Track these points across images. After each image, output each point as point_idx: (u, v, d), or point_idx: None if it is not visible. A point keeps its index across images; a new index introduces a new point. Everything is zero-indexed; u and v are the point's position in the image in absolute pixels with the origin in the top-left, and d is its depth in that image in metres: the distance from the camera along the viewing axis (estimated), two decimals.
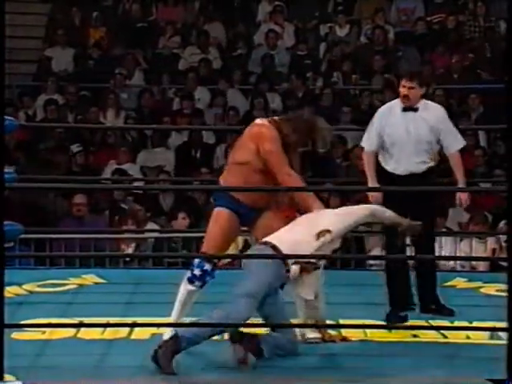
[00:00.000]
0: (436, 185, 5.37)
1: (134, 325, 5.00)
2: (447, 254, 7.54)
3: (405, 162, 5.22)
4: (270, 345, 4.57)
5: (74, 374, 4.39)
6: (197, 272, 4.90)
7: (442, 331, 4.97)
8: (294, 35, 11.98)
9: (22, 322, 4.87)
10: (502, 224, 7.85)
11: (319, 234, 4.62)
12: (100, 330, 4.99)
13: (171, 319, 4.87)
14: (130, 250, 7.82)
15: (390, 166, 5.27)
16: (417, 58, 11.49)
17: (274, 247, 4.60)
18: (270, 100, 11.00)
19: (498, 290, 5.85)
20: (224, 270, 6.72)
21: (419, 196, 5.15)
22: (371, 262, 7.38)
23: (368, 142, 5.36)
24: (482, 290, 5.90)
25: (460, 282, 6.06)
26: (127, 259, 7.71)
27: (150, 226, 8.51)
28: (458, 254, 7.68)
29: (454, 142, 5.29)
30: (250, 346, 4.52)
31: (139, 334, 4.99)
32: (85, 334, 4.95)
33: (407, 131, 5.24)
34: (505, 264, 7.44)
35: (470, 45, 11.67)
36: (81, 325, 4.94)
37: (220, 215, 4.90)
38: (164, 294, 5.79)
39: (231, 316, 4.49)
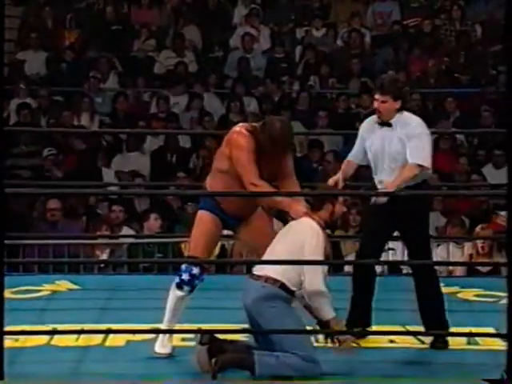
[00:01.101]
0: (423, 204, 5.15)
1: (108, 331, 4.99)
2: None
3: (384, 178, 5.06)
4: (271, 365, 4.40)
5: (48, 382, 4.36)
6: (185, 277, 4.88)
7: (418, 337, 4.99)
8: (269, 38, 11.99)
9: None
10: (478, 228, 7.90)
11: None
12: (74, 336, 4.97)
13: (163, 326, 4.85)
14: (104, 256, 7.80)
15: (376, 182, 5.15)
16: (393, 61, 11.55)
17: (282, 285, 4.50)
18: (247, 104, 11.01)
19: (475, 295, 5.88)
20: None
21: (408, 215, 5.01)
22: (347, 267, 7.39)
23: (352, 152, 5.27)
24: (459, 295, 5.92)
25: None
26: (102, 265, 7.68)
27: (125, 231, 8.48)
28: (434, 259, 7.71)
29: (414, 157, 4.98)
30: (216, 353, 4.46)
31: (114, 340, 4.98)
32: (59, 341, 4.92)
33: (382, 147, 5.07)
34: (482, 269, 7.54)
35: (446, 48, 11.74)
36: (55, 332, 4.91)
37: (203, 218, 4.90)
38: (139, 299, 5.79)
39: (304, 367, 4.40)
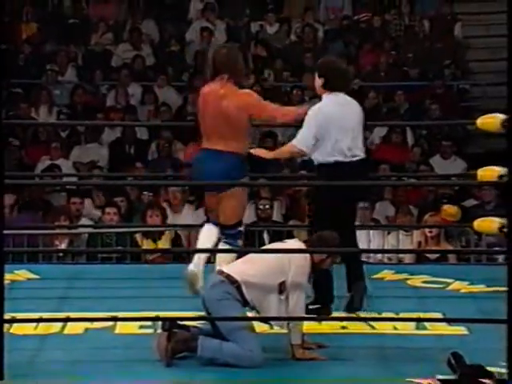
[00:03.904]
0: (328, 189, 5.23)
1: (67, 320, 4.95)
2: (375, 247, 7.62)
3: None
4: (212, 348, 4.49)
5: (8, 370, 4.32)
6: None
7: (370, 322, 5.02)
8: (225, 32, 11.98)
9: None
10: (426, 217, 7.96)
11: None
12: (33, 325, 4.92)
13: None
14: (63, 246, 7.74)
15: None
16: (344, 55, 11.59)
17: (238, 287, 4.53)
18: None
19: (423, 282, 5.94)
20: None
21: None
22: None
23: None
24: (408, 281, 5.97)
25: (388, 274, 6.13)
26: (61, 254, 7.63)
27: (84, 221, 8.43)
28: (385, 247, 7.77)
29: (296, 138, 5.20)
30: (177, 338, 4.50)
31: (73, 328, 4.94)
32: (18, 329, 4.88)
33: None
34: (430, 256, 7.61)
35: (396, 43, 11.82)
36: (13, 320, 4.86)
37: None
38: (97, 288, 5.76)
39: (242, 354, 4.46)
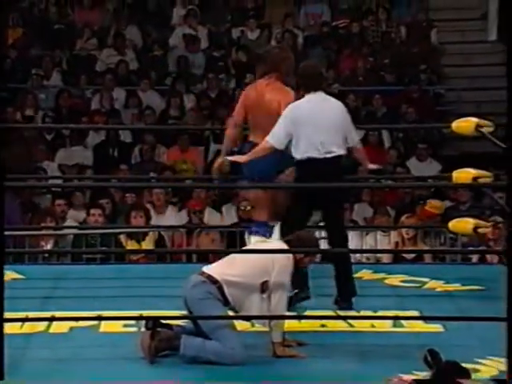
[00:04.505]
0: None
1: (52, 319, 4.93)
2: (354, 247, 7.63)
3: None
4: (194, 346, 4.47)
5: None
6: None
7: (348, 320, 5.03)
8: (207, 38, 11.98)
9: None
10: (403, 218, 7.99)
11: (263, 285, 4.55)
12: (19, 324, 4.90)
13: None
14: (48, 247, 7.71)
15: None
16: (324, 61, 11.61)
17: (220, 287, 4.51)
18: (186, 100, 10.99)
19: (400, 281, 5.95)
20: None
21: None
22: None
23: None
24: (386, 281, 5.98)
25: (366, 274, 6.14)
26: (46, 255, 7.59)
27: (69, 222, 8.40)
28: (364, 247, 7.79)
29: (269, 134, 5.24)
30: (161, 336, 4.48)
31: (58, 327, 4.92)
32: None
33: None
34: (407, 256, 7.63)
35: (373, 48, 11.86)
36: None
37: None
38: (82, 288, 5.74)
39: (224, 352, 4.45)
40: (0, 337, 4.26)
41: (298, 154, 5.17)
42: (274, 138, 5.18)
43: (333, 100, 5.32)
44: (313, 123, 5.16)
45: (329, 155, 5.16)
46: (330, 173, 5.10)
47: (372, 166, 5.40)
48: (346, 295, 5.25)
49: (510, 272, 4.27)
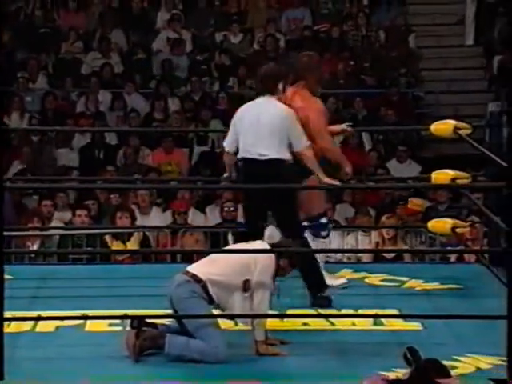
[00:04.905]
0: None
1: (38, 318, 4.91)
2: (335, 247, 7.65)
3: None
4: (179, 345, 4.47)
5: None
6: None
7: (330, 319, 5.03)
8: (191, 42, 11.98)
9: None
10: (383, 219, 8.01)
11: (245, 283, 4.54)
12: (5, 323, 4.87)
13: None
14: (35, 247, 7.68)
15: None
16: None
17: (204, 286, 4.50)
18: (170, 103, 10.99)
19: (381, 280, 5.96)
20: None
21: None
22: None
23: None
24: (366, 280, 5.99)
25: (347, 273, 6.15)
26: (32, 255, 7.57)
27: (55, 223, 8.37)
28: (345, 247, 7.80)
29: None
30: (145, 335, 4.48)
31: (44, 326, 4.91)
32: None
33: None
34: (387, 256, 7.66)
35: (353, 52, 11.90)
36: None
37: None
38: (68, 288, 5.72)
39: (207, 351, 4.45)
40: (0, 336, 4.23)
41: (239, 154, 5.19)
42: (226, 141, 5.27)
43: (278, 105, 5.16)
44: (247, 125, 5.13)
45: (261, 158, 5.08)
46: (263, 175, 5.03)
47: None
48: (315, 288, 5.22)
49: (510, 272, 4.28)
